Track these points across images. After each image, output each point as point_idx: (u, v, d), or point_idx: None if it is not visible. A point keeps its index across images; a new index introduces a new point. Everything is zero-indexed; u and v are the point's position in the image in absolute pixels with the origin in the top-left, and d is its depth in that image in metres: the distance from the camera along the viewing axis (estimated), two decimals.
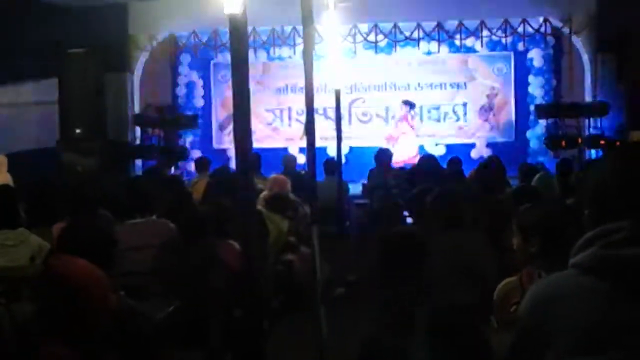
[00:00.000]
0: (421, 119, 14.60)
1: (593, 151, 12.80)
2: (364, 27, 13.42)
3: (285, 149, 13.93)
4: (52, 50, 12.65)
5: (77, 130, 12.88)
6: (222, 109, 14.82)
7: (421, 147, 13.73)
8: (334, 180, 9.25)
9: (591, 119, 13.06)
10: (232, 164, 12.63)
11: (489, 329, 3.39)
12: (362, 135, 14.46)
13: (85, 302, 2.57)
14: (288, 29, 13.41)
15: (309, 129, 5.65)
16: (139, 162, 13.88)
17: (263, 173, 9.67)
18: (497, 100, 14.59)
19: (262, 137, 14.43)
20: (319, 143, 6.19)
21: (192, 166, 12.90)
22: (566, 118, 13.33)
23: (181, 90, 14.92)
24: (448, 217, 4.80)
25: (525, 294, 1.90)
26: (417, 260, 3.61)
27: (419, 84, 14.68)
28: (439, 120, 14.71)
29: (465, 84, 14.64)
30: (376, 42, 13.55)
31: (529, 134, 14.35)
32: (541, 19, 13.23)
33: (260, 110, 14.44)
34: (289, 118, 14.87)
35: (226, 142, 14.63)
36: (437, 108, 14.69)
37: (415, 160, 12.71)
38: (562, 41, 14.06)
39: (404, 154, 12.48)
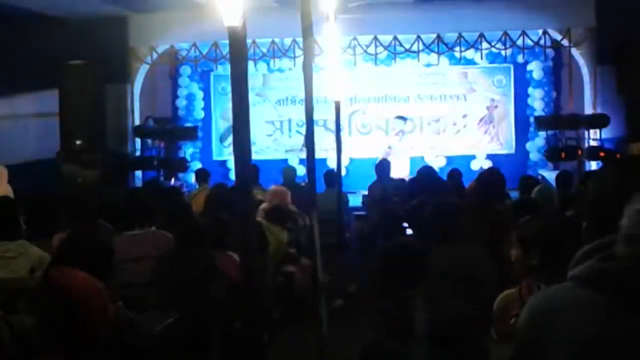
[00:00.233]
0: (421, 130, 14.65)
1: (593, 163, 12.81)
2: (363, 39, 13.46)
3: (285, 161, 13.94)
4: (52, 62, 12.68)
5: (77, 142, 12.89)
6: (222, 121, 14.83)
7: (421, 159, 13.74)
8: (334, 192, 9.26)
9: (591, 131, 13.09)
10: (232, 176, 12.66)
11: (489, 341, 3.39)
12: (362, 146, 14.47)
13: (85, 314, 2.57)
14: (288, 41, 13.45)
15: (309, 141, 5.65)
16: (139, 173, 13.89)
17: (263, 184, 9.68)
18: (496, 112, 14.62)
19: (262, 149, 14.46)
20: (319, 154, 6.20)
21: (192, 178, 12.91)
22: (566, 130, 13.35)
23: (181, 102, 14.94)
24: (447, 229, 4.79)
25: (524, 306, 1.90)
26: (417, 271, 3.61)
27: (418, 96, 14.71)
28: (438, 132, 14.73)
29: (465, 96, 14.67)
30: (376, 54, 13.58)
31: (528, 145, 14.37)
32: (540, 32, 13.27)
33: (260, 122, 14.47)
34: (289, 129, 14.89)
35: (226, 153, 14.65)
36: (437, 120, 14.72)
37: (407, 176, 12.72)
38: (562, 53, 14.10)
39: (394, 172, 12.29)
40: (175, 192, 9.19)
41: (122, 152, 13.72)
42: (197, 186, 10.97)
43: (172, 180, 13.67)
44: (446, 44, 13.44)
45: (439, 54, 13.68)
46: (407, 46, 13.43)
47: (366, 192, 10.68)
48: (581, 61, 13.35)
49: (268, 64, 14.28)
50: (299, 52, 12.77)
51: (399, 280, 3.57)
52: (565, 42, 13.27)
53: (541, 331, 1.72)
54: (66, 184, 12.29)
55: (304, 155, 5.98)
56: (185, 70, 14.79)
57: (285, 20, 9.60)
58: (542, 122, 13.66)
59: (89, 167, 12.63)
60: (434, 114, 14.69)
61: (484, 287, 4.27)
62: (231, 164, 13.64)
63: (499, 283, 4.17)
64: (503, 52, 13.56)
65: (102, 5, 12.37)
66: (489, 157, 14.36)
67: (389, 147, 12.83)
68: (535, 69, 14.28)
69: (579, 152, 12.92)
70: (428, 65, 14.37)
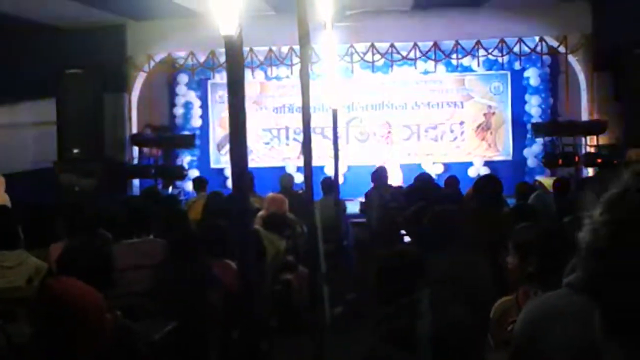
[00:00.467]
0: (418, 138, 14.67)
1: (590, 169, 12.82)
2: (360, 46, 13.48)
3: (283, 168, 13.94)
4: (50, 70, 12.71)
5: (75, 151, 12.90)
6: (219, 129, 14.84)
7: (418, 166, 13.77)
8: (332, 199, 9.25)
9: (588, 137, 13.10)
10: (230, 184, 12.64)
11: (486, 348, 3.39)
12: (360, 154, 14.48)
13: (82, 323, 2.57)
14: (285, 49, 13.47)
15: (306, 148, 5.66)
16: (136, 182, 13.89)
17: (261, 192, 9.68)
18: (494, 118, 14.64)
19: (260, 157, 14.48)
20: (316, 162, 6.19)
21: (189, 186, 12.91)
22: (563, 136, 13.36)
23: (179, 110, 14.95)
24: (445, 236, 4.80)
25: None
26: (415, 278, 3.62)
27: (416, 103, 14.73)
28: (436, 139, 14.75)
29: (462, 103, 14.69)
30: (373, 61, 13.60)
31: (526, 152, 14.38)
32: (537, 39, 13.30)
33: (257, 130, 14.50)
34: (287, 137, 14.90)
35: (224, 161, 14.65)
36: (435, 127, 14.73)
37: (401, 180, 12.73)
38: (559, 60, 14.12)
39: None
40: (173, 200, 9.20)
41: (119, 161, 13.71)
42: (195, 194, 10.96)
43: (170, 189, 13.66)
44: (443, 51, 13.46)
45: (436, 61, 13.71)
46: (404, 54, 13.45)
47: (364, 199, 10.68)
48: (578, 68, 13.37)
49: (265, 72, 14.30)
50: (296, 60, 12.79)
51: (397, 287, 3.57)
52: (562, 49, 13.30)
53: (537, 337, 1.73)
54: (64, 193, 12.29)
55: (301, 162, 5.98)
56: (183, 78, 14.80)
57: (283, 29, 9.63)
58: (539, 129, 13.67)
59: (87, 176, 12.64)
60: (431, 121, 14.71)
61: (481, 294, 4.27)
62: (229, 172, 13.63)
63: (496, 290, 4.17)
64: (500, 59, 13.57)
65: (100, 14, 12.39)
66: (487, 163, 14.38)
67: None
68: (532, 75, 14.30)
69: (576, 158, 12.93)
70: (425, 72, 14.39)
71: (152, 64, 13.90)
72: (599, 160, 12.37)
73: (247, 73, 13.33)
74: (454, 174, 10.84)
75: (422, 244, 5.05)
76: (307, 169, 5.55)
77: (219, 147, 14.90)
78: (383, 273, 3.75)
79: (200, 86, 15.00)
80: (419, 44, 13.38)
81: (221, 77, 13.81)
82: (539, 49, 13.36)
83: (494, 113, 14.63)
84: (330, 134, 11.33)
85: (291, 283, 7.25)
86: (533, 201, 8.65)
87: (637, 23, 11.73)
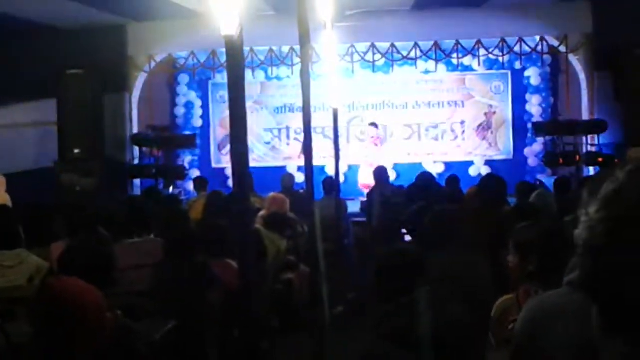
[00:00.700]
0: (419, 137, 14.67)
1: (591, 168, 12.82)
2: (361, 46, 13.48)
3: (284, 168, 13.95)
4: (51, 70, 12.71)
5: (76, 151, 12.91)
6: (220, 129, 14.85)
7: (419, 165, 13.77)
8: (332, 199, 9.25)
9: (589, 137, 13.10)
10: (230, 183, 12.65)
11: (487, 347, 3.39)
12: (361, 153, 14.45)
13: (82, 322, 2.57)
14: (286, 49, 13.48)
15: (307, 148, 5.65)
16: (137, 182, 13.89)
17: (262, 192, 9.67)
18: (494, 118, 14.64)
19: (261, 157, 14.48)
20: (317, 162, 6.19)
21: (190, 186, 12.91)
22: (564, 136, 13.36)
23: (180, 111, 14.96)
24: (446, 236, 4.80)
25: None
26: (416, 276, 3.62)
27: (417, 103, 14.73)
28: (437, 139, 14.75)
29: (463, 102, 14.69)
30: (374, 61, 13.60)
31: (526, 151, 14.38)
32: (538, 38, 13.30)
33: (258, 130, 14.51)
34: (287, 137, 14.91)
35: (225, 161, 14.66)
36: (435, 126, 14.74)
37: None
38: (559, 59, 14.14)
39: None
40: (174, 200, 9.20)
41: (120, 161, 13.72)
42: (196, 194, 10.96)
43: (171, 189, 13.67)
44: (444, 51, 13.46)
45: (436, 60, 13.72)
46: (405, 53, 13.45)
47: (364, 199, 10.66)
48: (578, 67, 13.37)
49: (266, 72, 14.31)
50: (296, 60, 12.80)
51: (397, 286, 3.57)
52: (562, 49, 13.30)
53: (538, 336, 1.73)
54: (65, 193, 12.30)
55: (302, 162, 5.98)
56: (184, 78, 14.81)
57: (283, 29, 9.63)
58: (540, 128, 13.67)
59: (88, 176, 12.65)
60: (432, 121, 14.71)
61: (481, 293, 4.27)
62: (230, 172, 13.63)
63: (497, 289, 4.17)
64: (500, 59, 13.58)
65: (101, 15, 12.39)
66: (487, 163, 14.38)
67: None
68: (532, 75, 14.31)
69: (577, 157, 12.94)
70: (426, 72, 14.40)
71: (153, 64, 13.90)
72: (600, 160, 12.36)
73: (248, 73, 13.35)
74: (454, 174, 10.84)
75: (423, 243, 5.05)
76: (308, 168, 5.55)
77: (220, 147, 14.90)
78: (383, 272, 3.75)
79: (201, 86, 15.01)
80: (420, 43, 13.39)
81: (222, 77, 13.82)
82: (539, 48, 13.36)
83: (494, 112, 14.63)
84: (331, 133, 11.34)
85: (292, 282, 7.25)
86: (534, 200, 8.63)
87: (637, 23, 11.73)
